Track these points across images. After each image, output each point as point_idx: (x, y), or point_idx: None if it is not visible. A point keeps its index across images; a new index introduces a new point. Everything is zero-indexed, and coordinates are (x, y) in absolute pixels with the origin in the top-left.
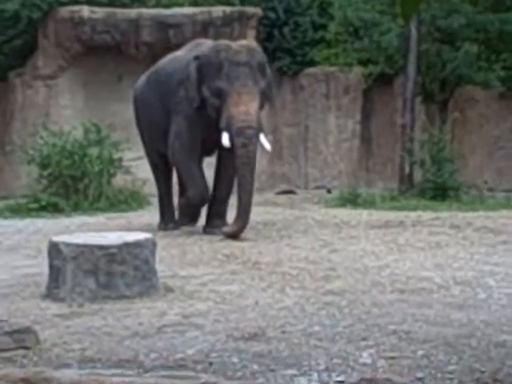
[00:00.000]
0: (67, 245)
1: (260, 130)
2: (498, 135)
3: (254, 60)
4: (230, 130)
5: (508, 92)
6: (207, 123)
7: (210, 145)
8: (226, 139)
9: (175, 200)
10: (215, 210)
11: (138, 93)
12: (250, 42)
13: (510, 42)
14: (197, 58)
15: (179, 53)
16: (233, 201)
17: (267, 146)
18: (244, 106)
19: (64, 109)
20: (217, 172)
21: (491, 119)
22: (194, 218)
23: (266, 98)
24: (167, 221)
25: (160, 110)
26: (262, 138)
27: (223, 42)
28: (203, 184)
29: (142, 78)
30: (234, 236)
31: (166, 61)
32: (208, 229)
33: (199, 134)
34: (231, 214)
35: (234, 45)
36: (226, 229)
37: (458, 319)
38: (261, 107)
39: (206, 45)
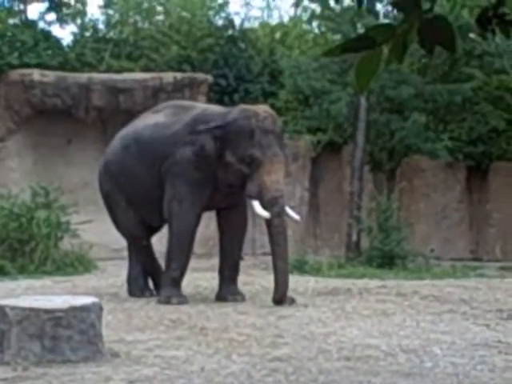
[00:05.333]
0: (12, 308)
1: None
2: (445, 204)
3: (277, 127)
4: (263, 199)
5: (455, 162)
6: (212, 188)
7: (210, 208)
8: (259, 208)
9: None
10: (229, 275)
11: (111, 159)
12: (266, 107)
13: (457, 113)
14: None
15: (158, 118)
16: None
17: (297, 216)
18: (275, 175)
19: (12, 171)
20: (224, 233)
21: (438, 188)
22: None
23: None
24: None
25: (149, 179)
26: (288, 209)
27: (247, 107)
28: (187, 262)
29: (115, 144)
30: (280, 302)
31: (144, 127)
32: (223, 295)
33: (203, 201)
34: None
35: (260, 111)
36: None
37: None
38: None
39: (199, 109)
